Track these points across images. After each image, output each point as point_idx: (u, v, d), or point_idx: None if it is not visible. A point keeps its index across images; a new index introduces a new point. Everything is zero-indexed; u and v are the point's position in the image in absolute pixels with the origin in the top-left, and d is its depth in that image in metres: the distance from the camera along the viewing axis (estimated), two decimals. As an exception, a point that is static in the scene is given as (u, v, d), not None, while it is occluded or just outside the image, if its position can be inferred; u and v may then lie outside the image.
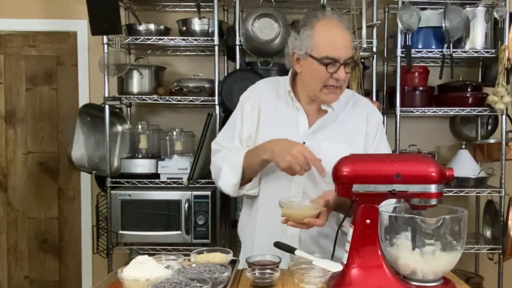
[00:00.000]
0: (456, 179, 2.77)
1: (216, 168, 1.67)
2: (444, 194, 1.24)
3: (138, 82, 2.82)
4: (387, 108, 2.94)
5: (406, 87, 2.82)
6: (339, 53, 1.50)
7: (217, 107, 2.70)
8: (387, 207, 1.28)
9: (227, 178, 1.61)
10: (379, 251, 1.25)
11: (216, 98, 2.71)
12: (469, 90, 2.87)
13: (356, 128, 1.62)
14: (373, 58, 2.77)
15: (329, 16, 1.57)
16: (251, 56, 2.77)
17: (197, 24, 2.82)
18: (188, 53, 3.12)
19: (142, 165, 2.75)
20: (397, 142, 2.71)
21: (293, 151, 1.44)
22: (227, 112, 2.70)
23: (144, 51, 3.06)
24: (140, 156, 2.81)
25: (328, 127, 1.61)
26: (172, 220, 2.66)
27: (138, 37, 2.78)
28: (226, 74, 2.88)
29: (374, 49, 2.72)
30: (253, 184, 1.62)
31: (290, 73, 1.67)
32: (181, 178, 2.70)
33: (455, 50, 2.72)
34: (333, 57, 1.50)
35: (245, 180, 1.61)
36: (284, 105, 1.65)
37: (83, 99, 3.13)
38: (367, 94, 2.73)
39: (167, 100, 2.77)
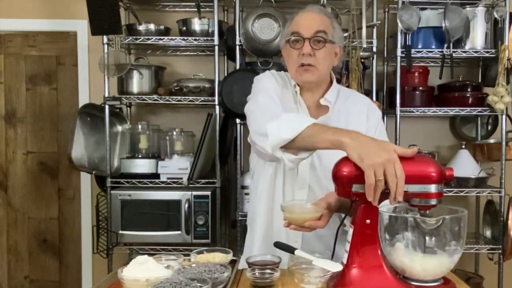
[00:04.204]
0: (456, 179, 2.77)
1: (269, 112, 1.46)
2: (444, 194, 1.23)
3: (138, 82, 2.83)
4: (387, 108, 2.94)
5: (406, 87, 2.82)
6: (302, 28, 1.56)
7: (217, 107, 2.70)
8: (387, 207, 1.28)
9: (280, 130, 1.36)
10: (379, 251, 1.25)
11: (216, 98, 2.71)
12: (469, 90, 2.87)
13: (357, 125, 1.61)
14: (373, 58, 2.77)
15: (308, 8, 1.63)
16: (251, 56, 2.77)
17: (197, 24, 2.82)
18: (188, 53, 3.12)
19: (142, 165, 2.75)
20: (397, 142, 2.71)
21: (386, 156, 1.17)
22: (227, 112, 2.70)
23: (144, 51, 3.06)
24: (140, 156, 2.81)
25: (330, 125, 1.60)
26: (172, 220, 2.66)
27: (138, 37, 2.78)
28: (226, 74, 2.88)
29: (374, 49, 2.72)
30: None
31: None
32: (181, 178, 2.70)
33: (455, 50, 2.72)
34: (296, 31, 1.56)
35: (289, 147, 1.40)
36: (291, 97, 1.65)
37: (83, 99, 3.13)
38: (367, 94, 2.72)
39: (167, 100, 2.77)
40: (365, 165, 1.17)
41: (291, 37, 1.57)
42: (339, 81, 2.64)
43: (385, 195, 1.22)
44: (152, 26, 2.85)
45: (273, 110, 1.48)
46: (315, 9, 1.62)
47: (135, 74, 2.82)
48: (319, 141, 1.30)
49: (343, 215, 1.45)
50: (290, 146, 1.36)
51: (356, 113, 1.64)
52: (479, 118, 3.10)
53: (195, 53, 3.13)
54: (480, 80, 3.04)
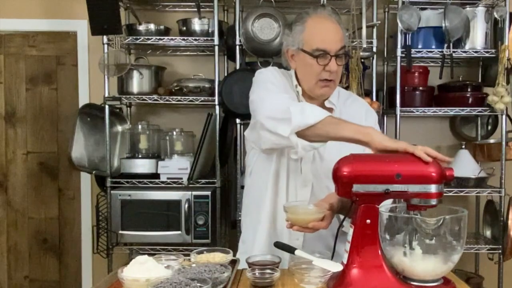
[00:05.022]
0: (456, 179, 2.77)
1: (283, 98, 1.48)
2: (444, 194, 1.24)
3: (138, 82, 2.82)
4: (387, 108, 2.94)
5: (406, 87, 2.82)
6: (329, 45, 1.53)
7: (217, 107, 2.70)
8: (387, 207, 1.28)
9: (304, 113, 1.38)
10: (379, 251, 1.25)
11: (216, 98, 2.71)
12: (469, 90, 2.87)
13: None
14: (373, 58, 2.77)
15: (320, 12, 1.61)
16: (251, 56, 2.77)
17: (197, 24, 2.82)
18: (188, 53, 3.12)
19: (142, 165, 2.75)
20: (397, 142, 2.71)
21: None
22: (227, 112, 2.70)
23: (144, 51, 3.06)
24: (140, 156, 2.81)
25: None
26: (172, 220, 2.66)
27: (138, 37, 2.78)
28: (226, 74, 2.88)
29: (374, 49, 2.72)
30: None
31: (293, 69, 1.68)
32: (181, 178, 2.70)
33: (455, 50, 2.72)
34: (323, 48, 1.53)
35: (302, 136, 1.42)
36: (294, 96, 1.65)
37: (83, 99, 3.13)
38: (367, 94, 2.73)
39: (167, 100, 2.77)
40: (400, 143, 1.28)
41: (316, 53, 1.53)
42: (339, 81, 2.64)
43: (386, 195, 1.22)
44: (152, 26, 2.85)
45: (286, 97, 1.48)
46: (331, 18, 1.59)
47: (135, 74, 2.81)
48: (344, 128, 1.34)
49: (341, 215, 1.46)
50: (304, 134, 1.38)
51: (355, 114, 1.65)
52: (479, 118, 3.10)
53: (195, 53, 3.12)
54: (480, 80, 3.04)
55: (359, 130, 1.32)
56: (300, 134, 1.39)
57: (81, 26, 3.11)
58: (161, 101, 2.77)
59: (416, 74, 2.92)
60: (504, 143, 2.72)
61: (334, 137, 1.38)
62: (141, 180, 2.74)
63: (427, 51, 2.76)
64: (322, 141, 1.42)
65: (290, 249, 1.39)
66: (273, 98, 1.49)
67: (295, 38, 1.59)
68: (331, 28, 1.56)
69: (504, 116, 2.73)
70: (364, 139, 1.30)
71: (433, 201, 1.22)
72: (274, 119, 1.43)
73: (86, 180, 3.18)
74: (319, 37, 1.55)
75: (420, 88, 2.87)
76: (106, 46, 2.71)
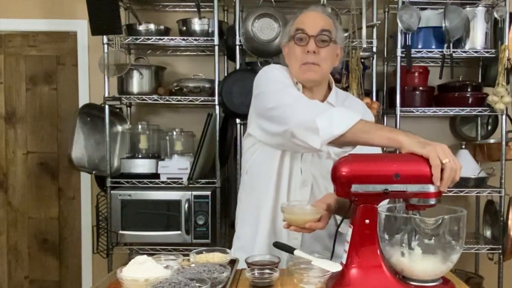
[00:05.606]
0: (456, 179, 2.76)
1: (310, 104, 1.45)
2: (444, 194, 1.23)
3: (138, 82, 2.83)
4: (387, 108, 2.94)
5: (406, 87, 2.82)
6: (307, 26, 1.55)
7: (217, 107, 2.70)
8: (386, 207, 1.28)
9: (332, 124, 1.35)
10: (378, 251, 1.25)
11: (216, 98, 2.71)
12: (469, 90, 2.87)
13: None
14: (373, 58, 2.77)
15: (313, 8, 1.63)
16: (251, 56, 2.77)
17: (197, 24, 2.82)
18: (188, 53, 3.13)
19: (142, 165, 2.75)
20: (397, 142, 2.71)
21: (442, 145, 1.26)
22: (227, 112, 2.70)
23: (144, 51, 3.06)
24: (140, 156, 2.81)
25: None
26: (172, 220, 2.66)
27: (138, 37, 2.78)
28: (226, 74, 2.88)
29: (374, 49, 2.72)
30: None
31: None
32: (181, 178, 2.70)
33: (455, 50, 2.72)
34: (301, 28, 1.55)
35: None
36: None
37: (83, 99, 3.14)
38: (367, 94, 2.73)
39: (167, 100, 2.77)
40: (428, 150, 1.21)
41: (296, 33, 1.56)
42: (339, 81, 2.64)
43: (384, 195, 1.22)
44: (152, 26, 2.85)
45: (313, 102, 1.46)
46: (318, 9, 1.62)
47: (135, 74, 2.82)
48: (375, 137, 1.31)
49: (337, 216, 1.46)
50: (335, 142, 1.36)
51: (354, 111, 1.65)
52: (479, 118, 3.10)
53: (195, 53, 3.13)
54: (480, 80, 3.04)
55: (389, 138, 1.29)
56: (331, 142, 1.36)
57: (81, 26, 3.11)
58: (161, 101, 2.77)
59: (416, 74, 2.92)
60: (504, 143, 2.72)
61: (364, 144, 1.36)
62: (141, 180, 2.74)
63: (427, 51, 2.76)
64: (352, 145, 1.40)
65: (289, 249, 1.39)
66: (300, 105, 1.44)
67: (284, 33, 1.66)
68: (314, 14, 1.60)
69: (504, 116, 2.73)
70: (394, 146, 1.29)
71: (432, 201, 1.21)
72: (304, 130, 1.38)
73: (86, 180, 3.18)
74: (299, 21, 1.59)
75: (420, 88, 2.87)
76: (106, 46, 2.71)
